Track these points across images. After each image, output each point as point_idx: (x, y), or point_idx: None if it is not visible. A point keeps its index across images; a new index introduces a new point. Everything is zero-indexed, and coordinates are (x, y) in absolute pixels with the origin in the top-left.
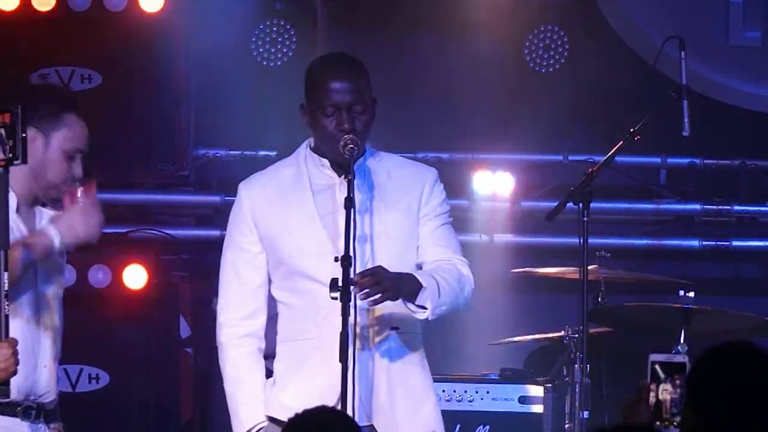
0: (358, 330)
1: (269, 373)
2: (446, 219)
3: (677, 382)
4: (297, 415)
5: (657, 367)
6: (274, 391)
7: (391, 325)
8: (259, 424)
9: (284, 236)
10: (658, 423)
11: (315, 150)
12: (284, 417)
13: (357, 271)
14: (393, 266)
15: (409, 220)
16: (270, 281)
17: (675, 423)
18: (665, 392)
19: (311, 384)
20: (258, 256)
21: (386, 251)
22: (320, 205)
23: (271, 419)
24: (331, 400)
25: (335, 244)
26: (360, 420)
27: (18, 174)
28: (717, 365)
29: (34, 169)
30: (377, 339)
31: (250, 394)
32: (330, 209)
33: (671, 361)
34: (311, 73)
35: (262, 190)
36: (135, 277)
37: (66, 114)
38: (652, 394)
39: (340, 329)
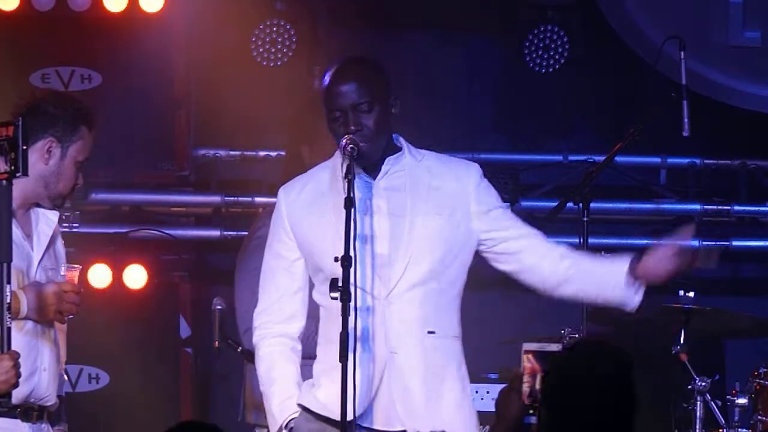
0: (392, 333)
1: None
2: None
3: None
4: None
5: (530, 356)
6: (311, 389)
7: (427, 329)
8: (291, 415)
9: (320, 242)
10: (531, 411)
11: None
12: (315, 408)
13: (358, 272)
14: (430, 267)
15: (451, 224)
16: (312, 284)
17: None
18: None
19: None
20: (295, 263)
21: (425, 253)
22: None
23: (303, 408)
24: (361, 402)
25: (368, 248)
26: (393, 425)
27: (19, 178)
28: (567, 365)
29: (45, 177)
30: (412, 343)
31: (282, 390)
32: (366, 213)
33: (544, 350)
34: (322, 81)
35: (298, 196)
36: (135, 277)
37: (82, 126)
38: (526, 384)
39: (372, 333)
